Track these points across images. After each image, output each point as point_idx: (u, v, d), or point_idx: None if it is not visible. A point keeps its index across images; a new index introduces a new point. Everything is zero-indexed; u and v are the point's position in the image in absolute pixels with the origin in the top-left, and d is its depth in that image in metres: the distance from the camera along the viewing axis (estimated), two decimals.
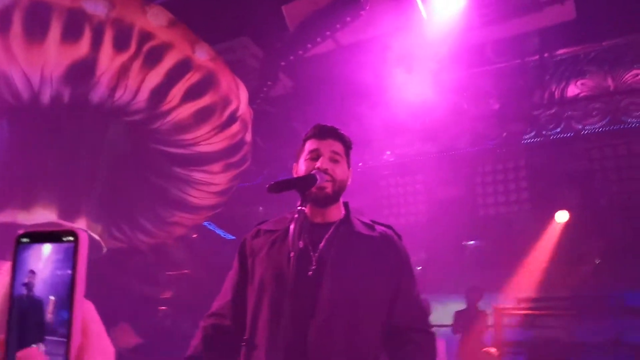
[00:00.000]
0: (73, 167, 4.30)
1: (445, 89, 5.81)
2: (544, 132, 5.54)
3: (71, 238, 0.57)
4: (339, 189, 1.82)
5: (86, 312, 0.58)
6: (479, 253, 6.45)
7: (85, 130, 4.38)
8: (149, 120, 4.46)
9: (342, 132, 1.91)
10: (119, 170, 4.74)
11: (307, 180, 1.67)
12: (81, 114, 4.33)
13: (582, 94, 5.37)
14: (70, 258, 0.56)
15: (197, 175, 4.90)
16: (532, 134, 5.58)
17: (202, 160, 4.77)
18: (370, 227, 1.86)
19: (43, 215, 4.11)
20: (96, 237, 4.49)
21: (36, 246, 0.58)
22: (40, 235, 0.59)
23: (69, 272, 0.56)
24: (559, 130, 5.48)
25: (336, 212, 1.86)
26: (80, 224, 4.29)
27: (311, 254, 1.72)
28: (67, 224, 4.26)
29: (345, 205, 1.92)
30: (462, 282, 6.48)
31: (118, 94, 4.23)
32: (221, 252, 6.99)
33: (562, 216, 5.93)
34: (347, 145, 1.90)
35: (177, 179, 4.89)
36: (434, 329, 1.83)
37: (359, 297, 1.67)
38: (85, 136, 4.39)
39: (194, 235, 6.20)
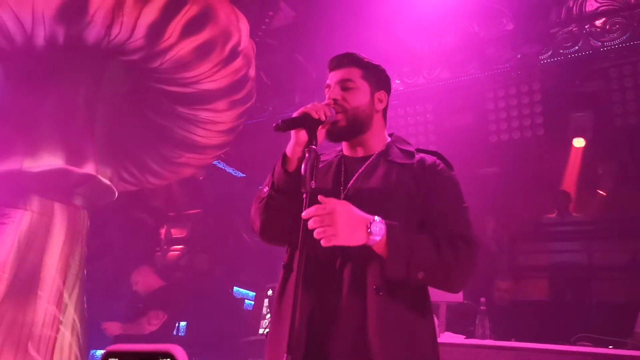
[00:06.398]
0: (73, 110, 4.21)
1: (454, 11, 5.52)
2: (561, 52, 5.28)
3: None
4: (355, 117, 1.69)
5: None
6: (493, 180, 6.36)
7: (83, 72, 4.26)
8: (149, 59, 4.31)
9: (358, 55, 1.76)
10: (121, 113, 4.65)
11: (306, 118, 1.56)
12: (78, 55, 4.19)
13: (601, 9, 5.07)
14: None
15: (202, 114, 4.79)
16: (549, 54, 5.32)
17: (205, 99, 4.65)
18: (409, 155, 1.71)
19: (49, 161, 4.07)
20: (107, 182, 4.48)
21: None
22: (130, 356, 0.54)
23: None
24: (577, 48, 5.22)
25: (376, 143, 1.75)
26: (88, 169, 4.26)
27: (341, 188, 1.66)
28: (76, 169, 4.23)
29: (391, 135, 1.82)
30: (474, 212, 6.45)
31: (114, 32, 4.06)
32: (232, 190, 7.00)
33: (578, 142, 5.79)
34: (366, 67, 1.75)
35: (181, 118, 4.80)
36: (468, 250, 1.58)
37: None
38: (82, 78, 4.27)
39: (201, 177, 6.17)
